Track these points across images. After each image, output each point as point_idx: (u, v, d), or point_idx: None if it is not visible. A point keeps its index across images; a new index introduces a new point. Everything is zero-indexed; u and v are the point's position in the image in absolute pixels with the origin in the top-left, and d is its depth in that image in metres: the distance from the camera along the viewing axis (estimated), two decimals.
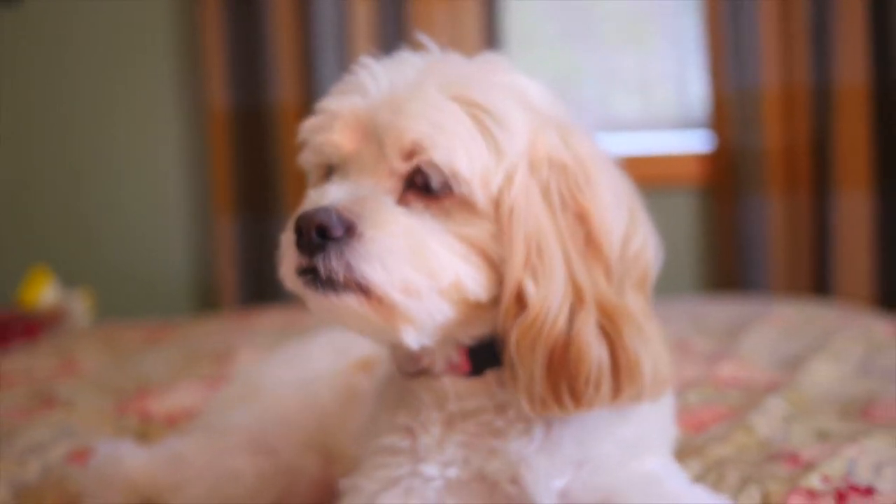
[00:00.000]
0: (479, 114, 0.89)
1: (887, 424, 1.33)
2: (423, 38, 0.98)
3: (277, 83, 2.93)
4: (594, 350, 0.88)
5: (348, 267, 0.85)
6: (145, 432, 1.55)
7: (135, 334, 2.43)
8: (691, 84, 2.97)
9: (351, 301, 0.86)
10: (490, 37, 2.90)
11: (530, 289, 0.88)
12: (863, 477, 1.11)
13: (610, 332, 0.89)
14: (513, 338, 0.89)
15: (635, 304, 0.91)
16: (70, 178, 3.18)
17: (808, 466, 1.16)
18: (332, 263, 0.85)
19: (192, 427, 1.36)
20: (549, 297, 0.88)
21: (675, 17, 3.04)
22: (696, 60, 2.92)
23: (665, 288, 2.77)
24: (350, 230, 0.85)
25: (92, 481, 1.21)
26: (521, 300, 0.88)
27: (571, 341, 0.88)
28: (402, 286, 0.85)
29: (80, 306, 2.81)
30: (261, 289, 2.96)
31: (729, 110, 2.81)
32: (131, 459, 1.21)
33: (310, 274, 0.87)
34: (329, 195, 0.88)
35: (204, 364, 1.98)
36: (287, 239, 0.89)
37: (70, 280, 2.96)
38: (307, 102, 2.89)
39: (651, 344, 0.91)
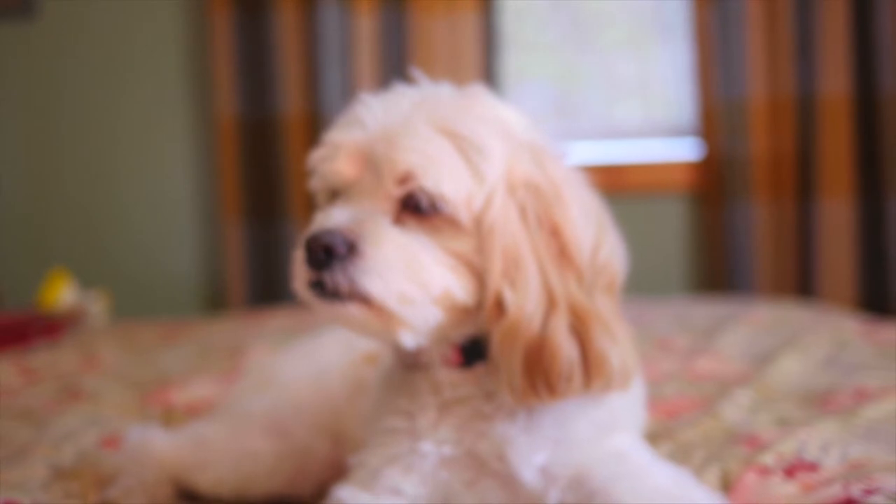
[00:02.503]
0: (463, 145, 0.99)
1: (839, 411, 1.43)
2: (416, 72, 1.08)
3: (284, 94, 2.99)
4: (565, 348, 0.97)
5: (351, 281, 0.95)
6: (169, 420, 1.63)
7: (151, 333, 2.50)
8: (682, 94, 3.04)
9: (354, 310, 0.96)
10: (489, 43, 2.96)
11: (508, 296, 0.97)
12: (811, 455, 1.21)
13: (580, 332, 0.97)
14: (495, 338, 0.98)
15: (604, 307, 1.00)
16: (86, 186, 3.26)
17: (765, 447, 1.25)
18: (337, 278, 0.95)
19: (213, 414, 1.45)
20: (524, 303, 0.97)
21: (668, 30, 3.10)
22: (686, 71, 2.98)
23: (656, 289, 2.90)
24: (352, 248, 0.96)
25: (125, 462, 1.31)
26: (500, 306, 0.98)
27: (545, 341, 0.97)
28: (398, 296, 0.95)
29: (97, 306, 2.87)
30: (267, 291, 3.03)
31: (717, 120, 2.87)
32: (160, 442, 1.32)
33: (318, 286, 0.97)
34: (334, 218, 0.98)
35: (218, 360, 2.07)
36: (298, 256, 0.99)
37: (87, 282, 3.04)
38: (312, 113, 2.96)
39: (618, 341, 0.99)
